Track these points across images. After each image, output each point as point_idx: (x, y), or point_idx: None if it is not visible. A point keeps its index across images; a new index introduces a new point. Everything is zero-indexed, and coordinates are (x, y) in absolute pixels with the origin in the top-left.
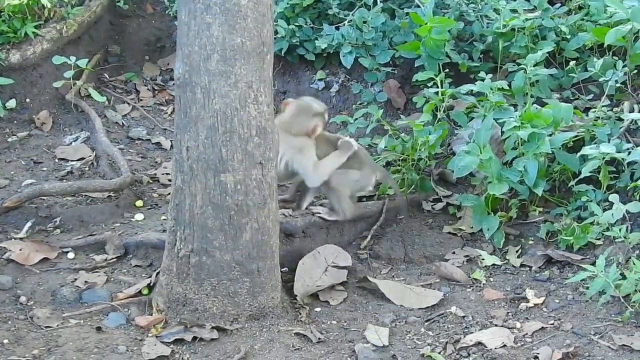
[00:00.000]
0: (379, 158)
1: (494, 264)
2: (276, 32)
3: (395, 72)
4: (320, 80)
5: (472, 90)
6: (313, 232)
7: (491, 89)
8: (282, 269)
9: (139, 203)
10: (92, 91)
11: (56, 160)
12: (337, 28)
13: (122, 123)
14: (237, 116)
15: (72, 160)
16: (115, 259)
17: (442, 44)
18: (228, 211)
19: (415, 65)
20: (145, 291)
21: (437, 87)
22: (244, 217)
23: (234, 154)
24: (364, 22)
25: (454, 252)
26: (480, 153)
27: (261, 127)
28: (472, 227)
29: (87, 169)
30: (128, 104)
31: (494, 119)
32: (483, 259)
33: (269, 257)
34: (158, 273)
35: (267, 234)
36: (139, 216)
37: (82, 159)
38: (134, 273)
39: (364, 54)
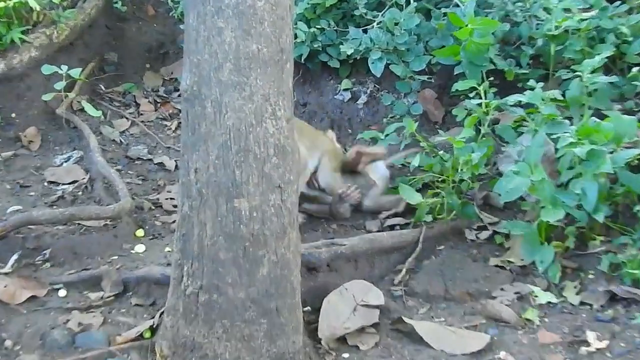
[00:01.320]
0: (414, 179)
1: (549, 302)
2: (295, 37)
3: (432, 80)
4: (345, 90)
5: (520, 101)
6: (339, 266)
7: (542, 100)
8: (304, 309)
9: (140, 233)
10: (86, 104)
11: (45, 184)
12: (365, 31)
13: (120, 140)
14: (252, 133)
15: (63, 184)
16: (113, 297)
17: (485, 49)
18: (242, 242)
19: (455, 73)
20: (147, 334)
21: (480, 97)
22: (260, 249)
23: (249, 176)
24: (396, 24)
25: (502, 289)
26: (531, 174)
27: (280, 146)
28: (522, 259)
29: (80, 193)
30: (127, 118)
31: (546, 134)
32: (536, 296)
33: (290, 294)
34: (162, 313)
35: (287, 267)
36: (140, 248)
37: (75, 182)
38: (135, 313)
39: (395, 61)
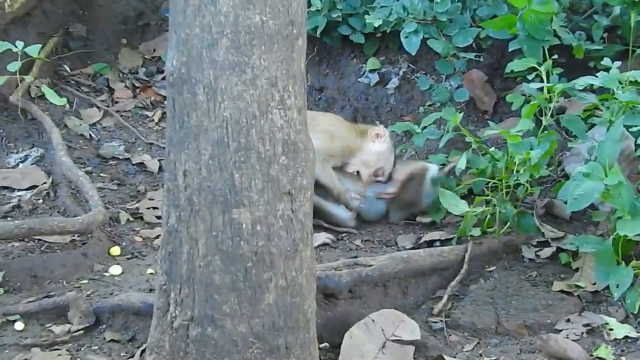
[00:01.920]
0: (459, 185)
1: (626, 337)
2: (309, 5)
3: (481, 59)
4: (372, 71)
5: (592, 85)
6: (364, 292)
7: (620, 83)
8: (321, 345)
9: (115, 250)
10: (47, 90)
11: None
12: None
13: (90, 135)
14: (255, 127)
15: (19, 190)
16: (82, 331)
17: (547, 19)
18: (243, 262)
19: (510, 50)
20: None
21: (541, 80)
22: (265, 271)
23: (252, 180)
24: None
25: (568, 320)
26: (605, 176)
27: (290, 142)
28: (594, 283)
29: (40, 201)
30: (98, 107)
31: (624, 126)
32: (611, 329)
33: (303, 328)
34: (143, 351)
35: (299, 294)
36: (116, 269)
37: (34, 187)
38: (110, 351)
39: (434, 34)
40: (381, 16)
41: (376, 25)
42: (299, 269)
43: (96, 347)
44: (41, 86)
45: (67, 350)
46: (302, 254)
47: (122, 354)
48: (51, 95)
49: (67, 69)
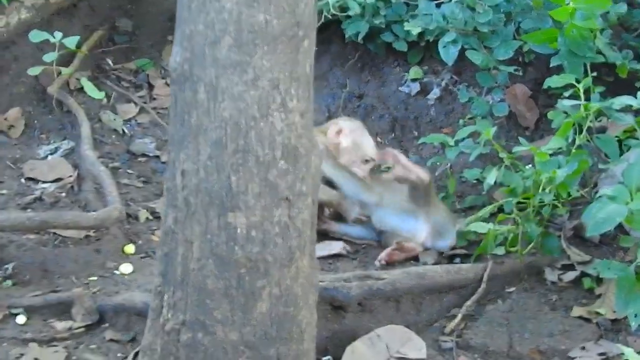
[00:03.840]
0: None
1: None
2: (344, 9)
3: (521, 73)
4: (414, 81)
5: (631, 106)
6: (375, 306)
7: None
8: (324, 358)
9: (130, 249)
10: (86, 83)
11: (22, 180)
12: (439, 5)
13: (123, 131)
14: (255, 129)
15: (44, 182)
16: (83, 328)
17: (590, 35)
18: (237, 268)
19: (551, 65)
20: None
21: (579, 98)
22: (259, 279)
23: (249, 184)
24: None
25: (583, 347)
26: (631, 200)
27: (290, 147)
28: (615, 311)
29: (63, 195)
30: (135, 103)
31: None
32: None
33: (296, 339)
34: (137, 353)
35: (293, 304)
36: (126, 268)
37: (59, 179)
38: (107, 350)
39: (475, 45)
40: (420, 24)
41: (414, 33)
42: (294, 278)
43: (94, 346)
44: (81, 79)
45: (64, 347)
46: (298, 262)
47: (118, 355)
48: (90, 89)
49: (110, 62)
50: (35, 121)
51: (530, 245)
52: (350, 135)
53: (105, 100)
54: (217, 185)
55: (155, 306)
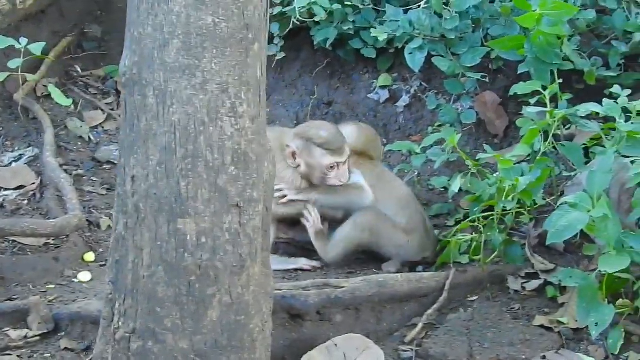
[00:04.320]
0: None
1: None
2: (312, 15)
3: (495, 81)
4: (383, 88)
5: (597, 114)
6: (334, 314)
7: (629, 112)
8: None
9: (90, 257)
10: (54, 90)
11: None
12: (407, 12)
13: (89, 138)
14: (204, 134)
15: (6, 189)
16: (39, 337)
17: (557, 42)
18: (187, 276)
19: (518, 73)
20: None
21: (546, 105)
22: (209, 286)
23: (198, 190)
24: (445, 5)
25: (544, 357)
26: (593, 207)
27: (240, 152)
28: (577, 320)
29: (25, 202)
30: (102, 110)
31: (624, 155)
32: None
33: (248, 348)
34: None
35: (244, 313)
36: (84, 276)
37: (22, 187)
38: (61, 359)
39: (442, 52)
40: (387, 30)
41: (381, 39)
42: (245, 286)
43: (49, 355)
44: (48, 85)
45: (18, 356)
46: (249, 270)
47: None
48: (57, 95)
49: (79, 69)
50: (1, 128)
51: (494, 254)
52: (300, 153)
53: (72, 107)
54: (167, 191)
55: (106, 314)
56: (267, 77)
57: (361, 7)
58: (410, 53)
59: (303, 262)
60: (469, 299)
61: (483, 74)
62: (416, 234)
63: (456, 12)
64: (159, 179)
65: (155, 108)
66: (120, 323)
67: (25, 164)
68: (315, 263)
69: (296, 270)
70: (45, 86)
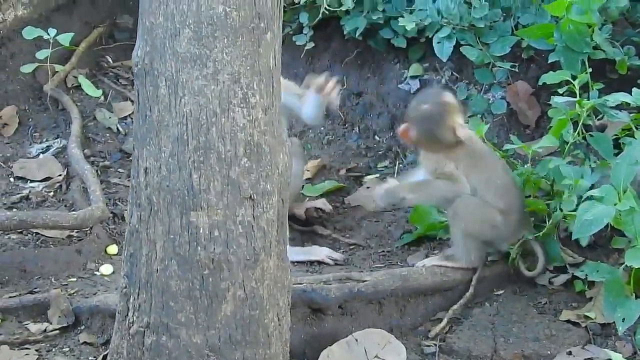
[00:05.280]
0: None
1: None
2: (341, 5)
3: (527, 70)
4: (414, 78)
5: (628, 104)
6: (356, 308)
7: None
8: None
9: (113, 249)
10: (84, 81)
11: (12, 179)
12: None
13: (117, 129)
14: (216, 125)
15: (33, 180)
16: (58, 331)
17: (587, 30)
18: (200, 269)
19: (548, 62)
20: None
21: (575, 94)
22: (223, 280)
23: (211, 182)
24: None
25: (569, 352)
26: (619, 200)
27: (253, 143)
28: (604, 315)
29: (51, 194)
30: (132, 101)
31: None
32: None
33: (262, 343)
34: (105, 357)
35: (259, 307)
36: (107, 269)
37: (48, 178)
38: (80, 354)
39: (470, 41)
40: (415, 20)
41: (408, 28)
42: (259, 280)
43: (67, 349)
44: (78, 76)
45: (36, 350)
46: (263, 264)
47: (90, 358)
48: (87, 86)
49: (110, 60)
50: (30, 119)
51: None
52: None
53: (102, 98)
54: (179, 184)
55: (121, 308)
56: (297, 67)
57: None
58: (439, 42)
59: (325, 254)
60: (495, 293)
61: (513, 63)
62: (513, 215)
63: (485, 1)
64: (171, 171)
65: (167, 99)
66: (134, 317)
67: (52, 155)
68: (337, 256)
69: (319, 263)
70: (75, 77)
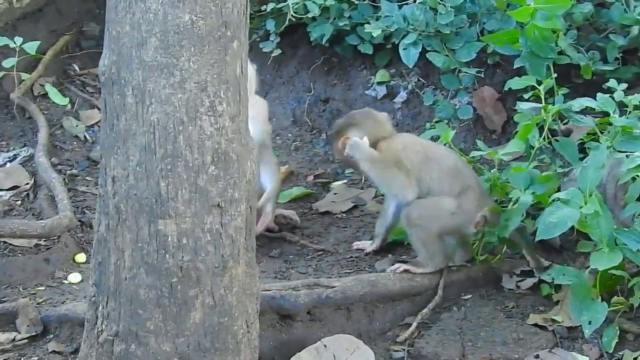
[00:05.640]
0: None
1: None
2: (307, 12)
3: (493, 76)
4: (380, 84)
5: (593, 109)
6: (325, 314)
7: (625, 106)
8: None
9: (81, 257)
10: (51, 89)
11: None
12: (402, 7)
13: (85, 137)
14: (183, 133)
15: (0, 189)
16: (27, 340)
17: (551, 36)
18: (168, 277)
19: (514, 67)
20: None
21: (541, 100)
22: (191, 288)
23: (178, 190)
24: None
25: (537, 356)
26: (585, 204)
27: (220, 151)
28: (571, 318)
29: (19, 203)
30: (99, 109)
31: (620, 151)
32: None
33: (231, 350)
34: None
35: (228, 314)
36: (75, 277)
37: (15, 187)
38: None
39: (437, 47)
40: (381, 26)
41: (375, 35)
42: (228, 287)
43: (36, 358)
44: (45, 84)
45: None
46: (232, 271)
47: None
48: (54, 94)
49: (76, 68)
50: None
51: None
52: None
53: (69, 106)
54: (147, 192)
55: (90, 317)
56: (264, 74)
57: (357, 2)
58: (405, 49)
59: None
60: (462, 298)
61: (479, 69)
62: (469, 193)
63: (451, 7)
64: (139, 179)
65: (134, 107)
66: (103, 326)
67: (19, 164)
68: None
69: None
70: (42, 85)
